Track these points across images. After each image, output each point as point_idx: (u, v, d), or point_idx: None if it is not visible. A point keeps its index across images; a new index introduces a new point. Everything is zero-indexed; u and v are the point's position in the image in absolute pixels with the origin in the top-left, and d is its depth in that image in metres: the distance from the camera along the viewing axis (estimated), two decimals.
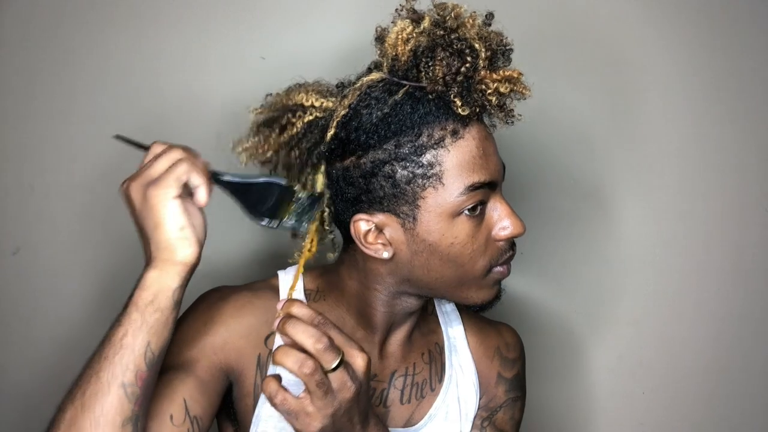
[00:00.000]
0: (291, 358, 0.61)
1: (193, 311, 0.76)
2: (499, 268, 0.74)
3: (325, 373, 0.62)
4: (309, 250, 0.74)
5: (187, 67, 1.09)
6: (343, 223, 0.73)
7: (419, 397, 0.81)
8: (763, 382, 1.19)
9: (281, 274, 0.82)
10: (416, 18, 0.69)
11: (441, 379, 0.82)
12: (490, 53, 0.67)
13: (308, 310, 0.65)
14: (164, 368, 0.69)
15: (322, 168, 0.72)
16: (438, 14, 0.69)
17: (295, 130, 0.70)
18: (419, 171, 0.67)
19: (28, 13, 1.08)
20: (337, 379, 0.62)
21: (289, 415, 0.63)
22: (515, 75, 0.68)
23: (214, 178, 0.66)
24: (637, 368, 1.20)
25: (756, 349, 1.19)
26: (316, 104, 0.70)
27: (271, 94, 0.74)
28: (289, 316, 0.64)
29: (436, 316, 0.87)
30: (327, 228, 0.75)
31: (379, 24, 0.72)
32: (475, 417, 0.84)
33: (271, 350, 0.75)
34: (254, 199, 0.69)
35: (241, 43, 1.09)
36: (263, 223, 0.70)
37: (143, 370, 0.60)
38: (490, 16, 0.71)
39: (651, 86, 1.15)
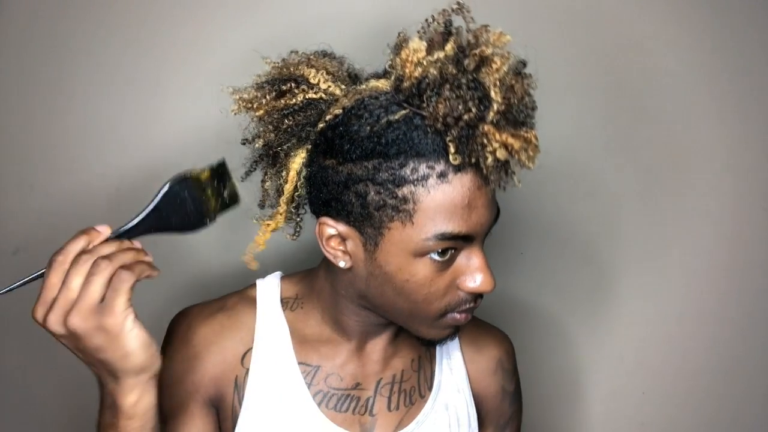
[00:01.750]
0: None
1: (170, 352, 0.75)
2: (455, 315, 0.69)
3: None
4: (260, 238, 0.72)
5: (187, 65, 1.09)
6: (316, 216, 0.70)
7: (408, 404, 0.79)
8: (764, 382, 1.19)
9: (260, 282, 0.80)
10: (440, 40, 0.63)
11: (430, 386, 0.81)
12: (504, 107, 0.60)
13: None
14: (162, 420, 0.71)
15: (305, 150, 0.69)
16: (468, 41, 0.62)
17: (293, 101, 0.67)
18: (391, 201, 0.62)
19: (28, 13, 1.08)
20: None
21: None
22: (524, 140, 0.60)
23: (126, 237, 0.60)
24: (637, 368, 1.20)
25: (756, 349, 1.19)
26: (323, 86, 0.66)
27: (296, 51, 0.70)
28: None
29: None
30: (294, 211, 0.73)
31: (404, 29, 0.66)
32: None
33: (247, 370, 0.74)
34: (175, 217, 0.62)
35: (241, 39, 1.09)
36: (204, 226, 0.65)
37: None
38: (522, 64, 0.63)
39: (651, 86, 1.15)
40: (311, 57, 0.69)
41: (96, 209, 1.09)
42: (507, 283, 1.17)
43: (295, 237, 0.75)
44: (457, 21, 0.64)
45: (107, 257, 0.57)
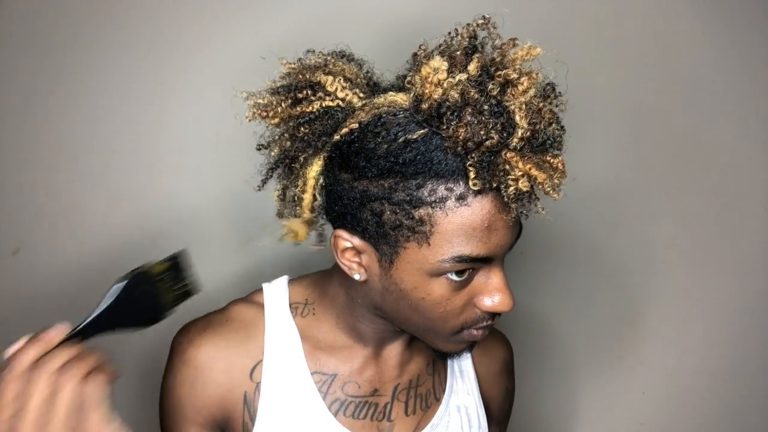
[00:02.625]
0: None
1: (170, 370, 0.73)
2: (472, 331, 0.67)
3: None
4: (297, 233, 0.68)
5: (189, 65, 1.08)
6: (332, 225, 0.68)
7: (424, 407, 0.78)
8: (763, 382, 1.19)
9: (266, 287, 0.77)
10: (463, 59, 0.59)
11: (444, 389, 0.80)
12: (530, 134, 0.57)
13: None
14: None
15: (322, 158, 0.65)
16: (493, 59, 0.59)
17: (310, 108, 0.63)
18: (407, 222, 0.59)
19: (28, 13, 1.08)
20: None
21: None
22: (551, 168, 0.57)
23: (81, 337, 0.56)
24: (637, 368, 1.20)
25: (756, 349, 1.19)
26: (340, 94, 0.63)
27: (312, 51, 0.67)
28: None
29: None
30: (316, 218, 0.69)
31: (425, 41, 0.62)
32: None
33: (257, 384, 0.71)
34: (129, 316, 0.59)
35: (252, 37, 1.09)
36: (160, 320, 0.62)
37: None
38: (550, 88, 0.60)
39: (650, 87, 1.15)
40: (329, 59, 0.66)
41: (96, 209, 1.09)
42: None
43: (322, 245, 0.73)
44: (482, 31, 0.61)
45: (68, 368, 0.52)
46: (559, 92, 0.61)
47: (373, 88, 0.66)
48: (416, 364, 0.79)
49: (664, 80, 1.15)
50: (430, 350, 0.78)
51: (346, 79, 0.64)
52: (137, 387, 1.06)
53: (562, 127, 0.60)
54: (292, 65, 0.66)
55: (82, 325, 0.57)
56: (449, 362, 0.82)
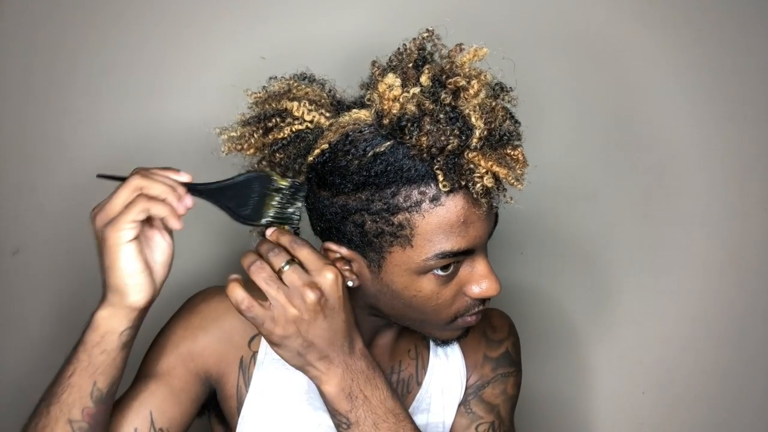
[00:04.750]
0: (246, 259, 0.65)
1: (176, 317, 0.76)
2: (466, 318, 0.70)
3: (278, 273, 0.63)
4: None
5: (189, 65, 1.09)
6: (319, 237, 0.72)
7: (405, 392, 0.80)
8: (764, 382, 1.19)
9: None
10: (414, 73, 0.63)
11: (426, 372, 0.82)
12: (487, 132, 0.61)
13: (286, 235, 0.66)
14: (139, 375, 0.73)
15: (302, 178, 0.69)
16: (443, 67, 0.63)
17: (281, 135, 0.67)
18: (388, 229, 0.63)
19: (28, 13, 1.08)
20: (288, 280, 0.63)
21: (255, 321, 0.64)
22: (512, 159, 0.62)
23: (190, 190, 0.63)
24: (637, 368, 1.20)
25: (756, 349, 1.19)
26: (307, 117, 0.67)
27: (275, 77, 0.71)
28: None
29: None
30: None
31: (377, 59, 0.66)
32: (461, 401, 0.83)
33: (255, 352, 0.75)
34: (236, 200, 0.66)
35: (242, 41, 1.09)
36: (252, 222, 0.67)
37: (90, 407, 0.62)
38: (499, 87, 0.64)
39: (649, 87, 1.15)
40: (291, 84, 0.69)
41: (94, 209, 1.09)
42: (507, 283, 1.16)
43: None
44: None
45: (145, 177, 0.61)
46: (510, 88, 0.65)
47: (338, 107, 0.69)
48: (401, 349, 0.81)
49: (661, 80, 1.15)
50: (413, 337, 0.82)
51: (311, 102, 0.67)
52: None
53: (517, 120, 0.64)
54: (258, 94, 0.70)
55: (200, 183, 0.64)
56: (433, 346, 0.83)
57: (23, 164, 1.09)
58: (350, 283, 0.69)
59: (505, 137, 0.62)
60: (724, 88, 1.15)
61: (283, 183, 0.68)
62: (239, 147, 0.69)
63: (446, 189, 0.61)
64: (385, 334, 0.79)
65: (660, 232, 1.18)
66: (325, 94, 0.70)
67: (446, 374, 0.83)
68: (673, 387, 1.20)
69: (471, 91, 0.61)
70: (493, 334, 0.87)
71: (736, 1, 1.14)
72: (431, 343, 0.83)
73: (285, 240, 0.66)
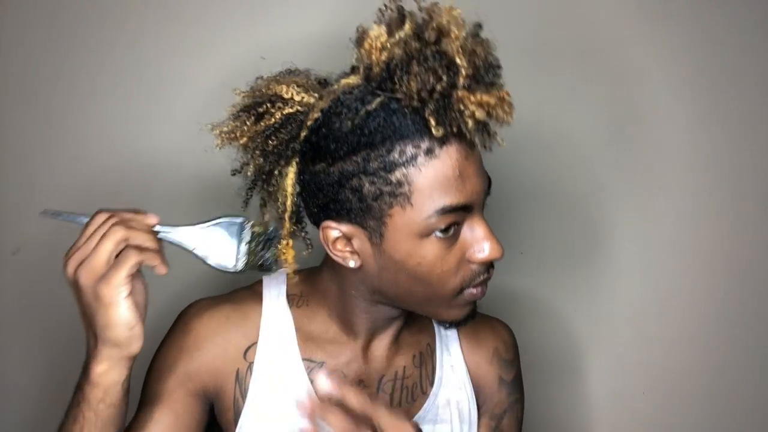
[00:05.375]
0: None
1: (169, 337, 0.77)
2: (472, 290, 0.70)
3: None
4: (286, 255, 0.72)
5: (189, 65, 1.09)
6: (316, 225, 0.71)
7: (410, 400, 0.79)
8: (763, 382, 1.19)
9: (266, 279, 0.81)
10: (398, 22, 0.65)
11: (432, 382, 0.81)
12: (472, 70, 0.62)
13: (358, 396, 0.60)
14: (142, 403, 0.74)
15: (295, 163, 0.69)
16: (423, 18, 0.64)
17: (272, 120, 0.68)
18: (387, 188, 0.64)
19: (28, 13, 1.08)
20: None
21: None
22: (498, 98, 0.62)
23: (163, 238, 0.64)
24: (637, 368, 1.20)
25: (756, 349, 1.19)
26: (297, 98, 0.67)
27: (261, 77, 0.72)
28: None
29: None
30: (297, 227, 0.73)
31: (361, 23, 0.68)
32: (479, 425, 0.84)
33: (251, 363, 0.76)
34: (208, 246, 0.66)
35: (242, 41, 1.09)
36: (225, 270, 0.67)
37: None
38: (478, 27, 0.65)
39: (648, 86, 1.15)
40: (278, 76, 0.71)
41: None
42: (507, 283, 1.17)
43: (309, 251, 0.75)
44: (408, 6, 0.66)
45: (125, 226, 0.62)
46: (487, 38, 0.66)
47: (325, 86, 0.70)
48: (402, 356, 0.80)
49: (659, 78, 1.15)
50: (417, 343, 0.81)
51: (298, 85, 0.69)
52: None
53: (498, 60, 0.65)
54: (245, 92, 0.71)
55: (171, 226, 0.65)
56: (439, 355, 0.83)
57: (23, 164, 1.09)
58: (352, 264, 0.69)
59: (490, 75, 0.63)
60: (723, 85, 1.15)
61: (257, 229, 0.68)
62: (232, 136, 0.69)
63: (439, 134, 0.61)
64: (381, 338, 0.78)
65: (660, 232, 1.18)
66: (311, 79, 0.71)
67: (453, 385, 0.82)
68: (673, 387, 1.20)
69: (453, 35, 0.62)
70: (505, 352, 0.87)
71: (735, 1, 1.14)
72: (437, 352, 0.83)
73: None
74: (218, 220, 0.67)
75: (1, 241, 1.10)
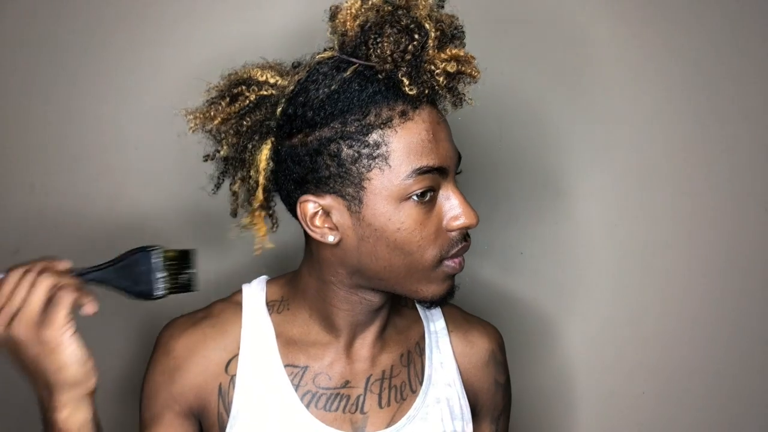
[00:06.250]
0: None
1: (152, 361, 0.78)
2: (450, 262, 0.71)
3: None
4: (258, 228, 0.74)
5: (188, 65, 1.09)
6: (292, 207, 0.72)
7: (399, 399, 0.79)
8: (763, 382, 1.19)
9: (245, 288, 0.81)
10: None
11: (421, 381, 0.80)
12: (440, 33, 0.66)
13: None
14: (139, 428, 0.76)
15: (269, 142, 0.70)
16: None
17: (246, 101, 0.69)
18: (365, 150, 0.66)
19: (28, 13, 1.08)
20: None
21: None
22: (464, 55, 0.67)
23: (83, 279, 0.66)
24: (637, 368, 1.20)
25: (755, 349, 1.19)
26: (271, 80, 0.69)
27: (233, 72, 0.73)
28: None
29: (416, 310, 0.85)
30: (268, 212, 0.74)
31: (333, 3, 0.71)
32: (480, 428, 0.85)
33: (233, 376, 0.76)
34: (126, 279, 0.68)
35: (243, 42, 1.09)
36: (149, 297, 0.68)
37: None
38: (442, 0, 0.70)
39: (635, 83, 1.15)
40: (251, 64, 0.72)
41: (96, 209, 1.09)
42: (507, 283, 1.17)
43: (274, 229, 0.76)
44: None
45: (50, 273, 0.63)
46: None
47: (298, 67, 0.73)
48: (389, 355, 0.80)
49: (652, 76, 1.15)
50: (403, 341, 0.81)
51: (273, 69, 0.71)
52: (122, 389, 1.06)
53: (461, 25, 0.70)
54: (217, 85, 0.73)
55: (87, 268, 0.67)
56: (428, 353, 0.82)
57: (23, 164, 1.09)
58: (331, 239, 0.69)
59: (455, 36, 0.68)
60: (722, 84, 1.15)
61: (170, 254, 0.69)
62: (207, 116, 0.70)
63: (413, 92, 0.65)
64: (364, 337, 0.78)
65: (660, 232, 1.18)
66: (285, 65, 0.73)
67: (443, 382, 0.82)
68: (673, 387, 1.20)
69: (420, 5, 0.67)
70: (500, 355, 0.88)
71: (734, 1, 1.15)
72: (426, 350, 0.82)
73: None
74: (128, 254, 0.68)
75: (1, 241, 1.10)
